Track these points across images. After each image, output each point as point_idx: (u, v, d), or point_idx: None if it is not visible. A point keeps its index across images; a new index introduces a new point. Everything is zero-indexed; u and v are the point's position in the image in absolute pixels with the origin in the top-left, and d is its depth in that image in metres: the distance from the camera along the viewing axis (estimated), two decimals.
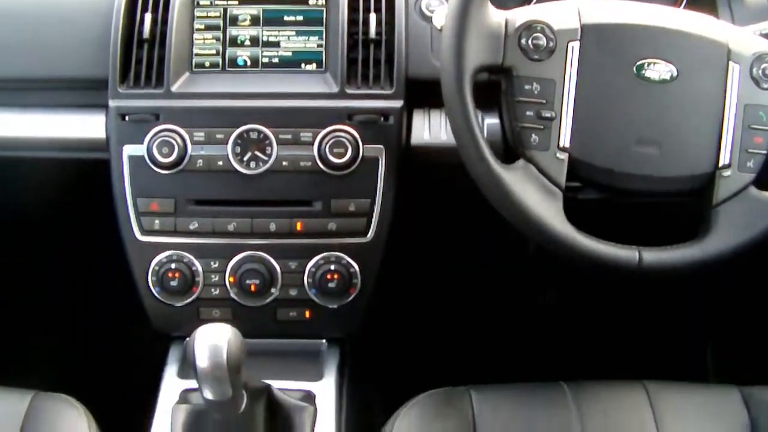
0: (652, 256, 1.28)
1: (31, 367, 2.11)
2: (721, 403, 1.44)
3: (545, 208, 1.26)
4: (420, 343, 2.23)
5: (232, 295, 1.53)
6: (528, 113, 1.27)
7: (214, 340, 1.16)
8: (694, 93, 1.30)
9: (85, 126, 1.52)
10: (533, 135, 1.27)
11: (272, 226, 1.50)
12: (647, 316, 2.25)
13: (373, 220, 1.50)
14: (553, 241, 1.27)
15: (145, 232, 1.51)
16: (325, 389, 1.49)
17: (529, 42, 1.27)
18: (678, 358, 2.21)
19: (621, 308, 2.27)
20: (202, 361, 1.15)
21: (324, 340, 1.60)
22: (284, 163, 1.47)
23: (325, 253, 1.51)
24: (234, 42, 1.51)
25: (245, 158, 1.46)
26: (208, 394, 1.18)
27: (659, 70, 1.29)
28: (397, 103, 1.48)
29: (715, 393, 1.47)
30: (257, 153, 1.46)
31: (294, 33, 1.51)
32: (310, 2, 1.52)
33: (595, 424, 1.39)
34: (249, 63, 1.52)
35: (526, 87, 1.28)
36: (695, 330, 2.24)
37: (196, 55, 1.51)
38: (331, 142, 1.45)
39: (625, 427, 1.40)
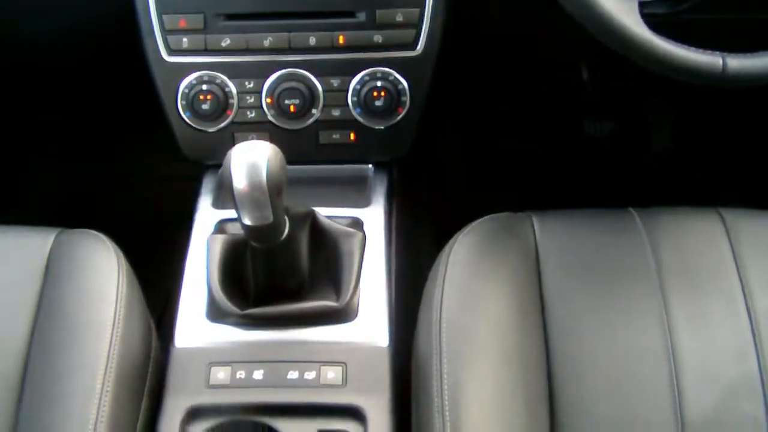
0: (738, 62, 1.17)
1: (57, 204, 2.09)
2: None
3: (618, 6, 1.14)
4: (471, 172, 2.17)
5: (270, 117, 1.45)
6: None
7: (252, 158, 1.09)
8: None
9: None
10: None
11: (312, 40, 1.40)
12: (710, 141, 2.19)
13: (423, 31, 1.40)
14: (627, 43, 1.15)
15: (172, 52, 1.42)
16: (374, 215, 1.43)
17: None
18: (747, 182, 2.15)
19: (682, 134, 2.19)
20: (240, 181, 1.09)
21: (370, 165, 1.54)
22: None
23: (370, 69, 1.43)
24: None
25: None
26: (247, 220, 1.12)
27: None
28: None
29: None
30: None
31: None
32: None
33: (669, 252, 1.32)
34: None
35: None
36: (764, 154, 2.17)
37: None
38: None
39: (701, 256, 1.33)
